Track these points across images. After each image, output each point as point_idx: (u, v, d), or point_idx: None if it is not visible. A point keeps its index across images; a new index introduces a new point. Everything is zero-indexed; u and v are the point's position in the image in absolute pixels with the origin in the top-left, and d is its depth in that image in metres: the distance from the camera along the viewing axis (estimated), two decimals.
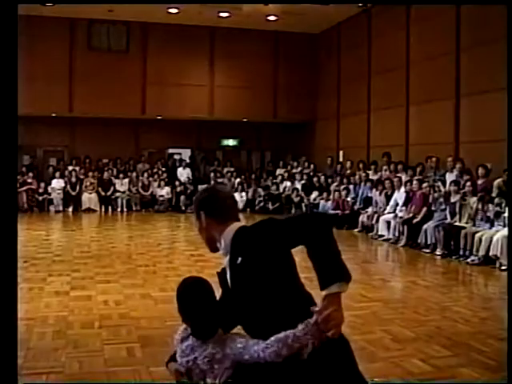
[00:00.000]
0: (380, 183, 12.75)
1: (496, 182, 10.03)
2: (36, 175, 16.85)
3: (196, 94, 17.65)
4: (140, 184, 17.28)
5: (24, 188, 16.03)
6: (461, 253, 9.34)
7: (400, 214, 11.39)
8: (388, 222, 11.64)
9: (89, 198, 16.66)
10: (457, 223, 9.79)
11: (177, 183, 17.31)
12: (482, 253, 8.79)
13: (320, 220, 2.19)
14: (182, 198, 16.97)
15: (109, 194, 16.85)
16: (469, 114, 11.73)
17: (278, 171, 18.09)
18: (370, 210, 12.74)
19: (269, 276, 2.21)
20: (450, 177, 11.11)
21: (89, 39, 17.07)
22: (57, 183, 16.66)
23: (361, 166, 14.62)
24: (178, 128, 18.74)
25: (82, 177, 17.04)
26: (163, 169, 18.02)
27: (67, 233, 12.40)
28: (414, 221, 10.76)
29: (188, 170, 18.34)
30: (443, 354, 4.63)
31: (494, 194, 9.71)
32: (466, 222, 9.65)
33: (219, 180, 17.92)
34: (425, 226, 10.29)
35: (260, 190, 17.48)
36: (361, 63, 15.66)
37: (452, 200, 10.10)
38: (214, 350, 2.22)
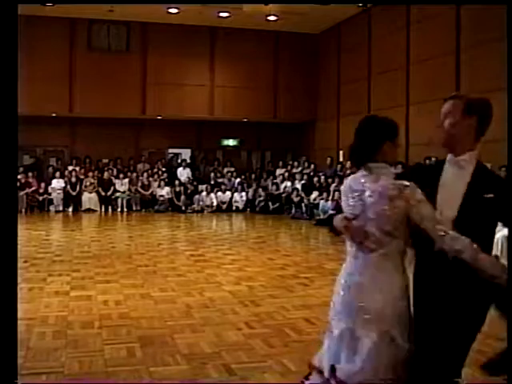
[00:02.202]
0: None
1: None
2: (36, 175, 16.86)
3: (196, 93, 17.66)
4: (140, 184, 17.29)
5: (26, 191, 16.03)
6: None
7: None
8: None
9: (89, 198, 16.67)
10: None
11: (177, 183, 17.32)
12: None
13: None
14: (182, 198, 16.98)
15: (109, 194, 16.86)
16: None
17: (278, 171, 18.10)
18: None
19: None
20: None
21: (89, 39, 17.08)
22: (57, 183, 16.67)
23: None
24: (178, 128, 18.74)
25: (82, 177, 17.04)
26: (163, 169, 18.03)
27: (67, 233, 12.40)
28: None
29: (188, 170, 18.35)
30: None
31: None
32: None
33: (219, 180, 17.95)
34: None
35: (260, 190, 17.49)
36: (361, 63, 15.67)
37: None
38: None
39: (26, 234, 11.44)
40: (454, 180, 2.61)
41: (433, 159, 12.18)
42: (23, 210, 15.70)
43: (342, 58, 16.93)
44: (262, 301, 6.18)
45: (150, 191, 17.18)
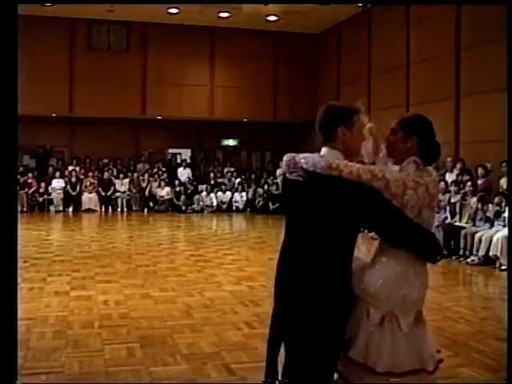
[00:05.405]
0: None
1: (502, 181, 10.10)
2: (36, 175, 16.86)
3: (196, 93, 17.64)
4: (140, 184, 17.28)
5: (26, 191, 16.05)
6: (461, 253, 9.34)
7: None
8: None
9: (89, 198, 16.66)
10: (457, 223, 9.80)
11: (177, 183, 17.32)
12: (481, 253, 8.79)
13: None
14: (182, 198, 16.97)
15: (109, 194, 16.86)
16: (469, 114, 11.72)
17: (278, 171, 18.09)
18: None
19: None
20: (449, 177, 11.11)
21: (89, 39, 17.07)
22: (57, 183, 16.66)
23: None
24: (178, 128, 18.73)
25: (82, 177, 17.04)
26: (163, 169, 18.03)
27: (67, 233, 12.40)
28: None
29: (188, 170, 18.35)
30: (443, 354, 4.58)
31: (500, 190, 9.75)
32: (466, 222, 9.66)
33: (219, 180, 17.94)
34: None
35: (260, 190, 17.48)
36: (361, 63, 15.65)
37: (452, 200, 10.10)
38: None
39: (26, 233, 11.44)
40: None
41: None
42: (23, 210, 15.70)
43: (342, 57, 16.92)
44: (262, 301, 6.17)
45: (149, 191, 17.17)
